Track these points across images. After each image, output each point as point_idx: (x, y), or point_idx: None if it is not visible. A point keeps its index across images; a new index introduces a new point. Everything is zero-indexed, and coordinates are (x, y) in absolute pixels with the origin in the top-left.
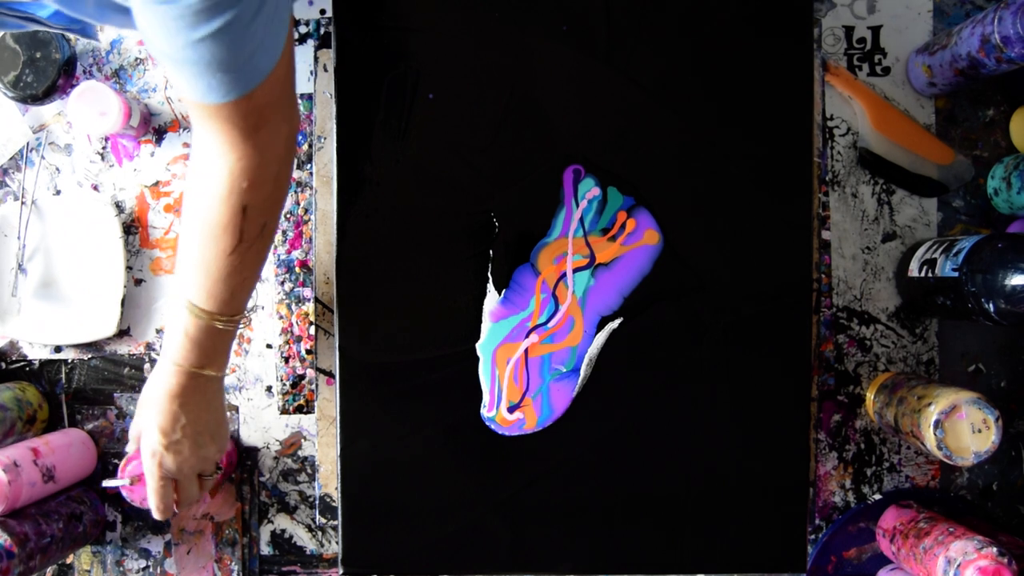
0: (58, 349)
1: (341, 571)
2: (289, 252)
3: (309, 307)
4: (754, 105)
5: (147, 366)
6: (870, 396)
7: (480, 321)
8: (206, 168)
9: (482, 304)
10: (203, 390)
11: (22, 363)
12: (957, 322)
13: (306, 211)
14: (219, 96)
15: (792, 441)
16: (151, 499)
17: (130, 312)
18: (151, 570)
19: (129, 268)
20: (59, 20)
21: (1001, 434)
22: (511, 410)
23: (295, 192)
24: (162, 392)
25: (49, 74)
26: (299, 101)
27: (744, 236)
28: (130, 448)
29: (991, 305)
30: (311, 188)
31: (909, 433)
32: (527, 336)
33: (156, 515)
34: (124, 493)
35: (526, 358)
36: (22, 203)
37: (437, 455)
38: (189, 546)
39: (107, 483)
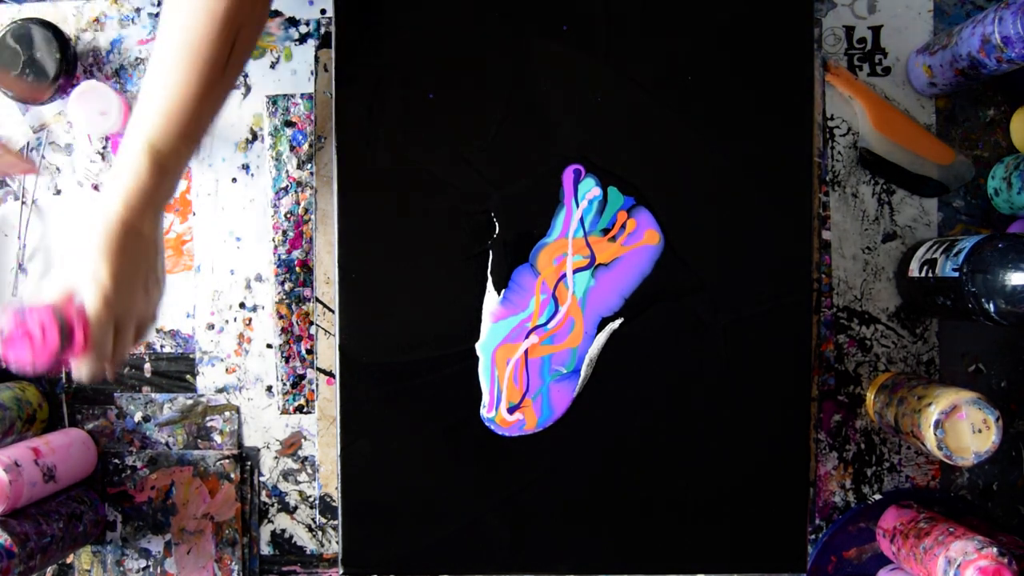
0: None
1: (341, 571)
2: (289, 252)
3: (309, 307)
4: (754, 105)
5: (147, 366)
6: (870, 396)
7: (480, 321)
8: None
9: (482, 304)
10: (154, 229)
11: None
12: (957, 322)
13: (306, 211)
14: None
15: (792, 441)
16: (94, 350)
17: None
18: (151, 570)
19: None
20: None
21: (1001, 434)
22: (511, 411)
23: (295, 192)
24: (117, 231)
25: (49, 74)
26: (300, 101)
27: (744, 236)
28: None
29: (991, 305)
30: (311, 188)
31: (909, 433)
32: (527, 337)
33: (90, 373)
34: None
35: (526, 359)
36: (22, 203)
37: (437, 455)
38: (189, 546)
39: None
